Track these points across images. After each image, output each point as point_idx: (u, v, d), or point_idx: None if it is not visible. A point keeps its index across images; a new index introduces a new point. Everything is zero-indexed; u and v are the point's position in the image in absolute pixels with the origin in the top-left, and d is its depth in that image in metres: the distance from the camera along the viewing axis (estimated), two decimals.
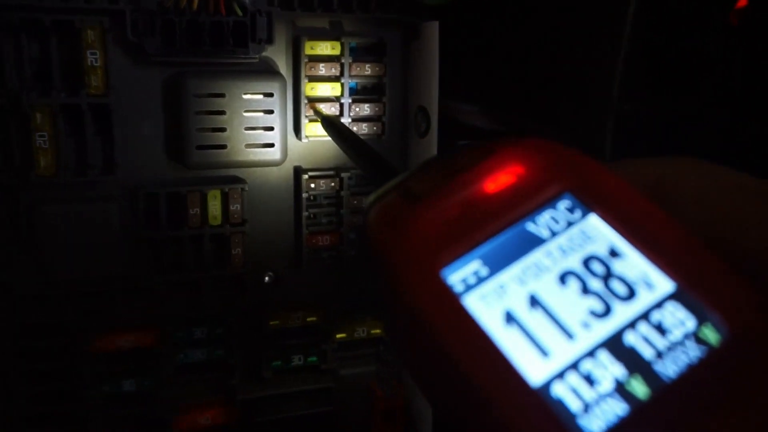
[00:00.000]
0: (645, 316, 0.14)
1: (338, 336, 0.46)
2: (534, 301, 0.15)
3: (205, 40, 0.37)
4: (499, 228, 0.16)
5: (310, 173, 0.42)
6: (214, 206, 0.40)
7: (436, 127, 0.42)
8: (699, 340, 0.14)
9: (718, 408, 0.12)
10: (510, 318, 0.14)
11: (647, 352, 0.14)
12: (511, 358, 0.14)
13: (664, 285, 0.14)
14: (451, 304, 0.15)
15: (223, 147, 0.39)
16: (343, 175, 0.43)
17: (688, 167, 0.16)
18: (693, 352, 0.13)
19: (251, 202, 0.42)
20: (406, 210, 0.16)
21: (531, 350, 0.14)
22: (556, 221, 0.16)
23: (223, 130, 0.39)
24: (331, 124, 0.38)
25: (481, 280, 0.15)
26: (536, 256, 0.15)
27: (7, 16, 0.34)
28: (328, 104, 0.42)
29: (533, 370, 0.13)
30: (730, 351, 0.13)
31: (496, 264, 0.15)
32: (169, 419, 0.42)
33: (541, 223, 0.16)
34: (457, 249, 0.15)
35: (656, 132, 0.41)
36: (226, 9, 0.37)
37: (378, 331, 0.47)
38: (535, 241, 0.16)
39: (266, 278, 0.44)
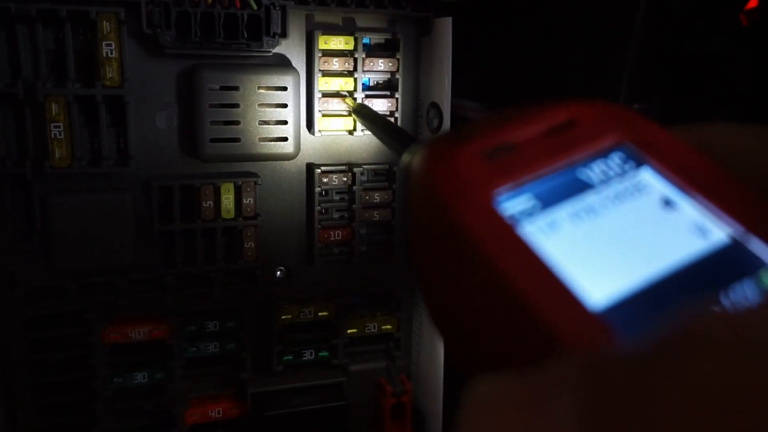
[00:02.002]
0: (702, 260, 0.14)
1: (349, 331, 0.46)
2: (588, 236, 0.15)
3: (219, 33, 0.37)
4: (551, 170, 0.16)
5: (323, 168, 0.42)
6: (227, 199, 0.41)
7: (448, 124, 0.42)
8: (758, 284, 0.14)
9: None
10: (564, 248, 0.14)
11: (706, 293, 0.13)
12: (569, 282, 0.13)
13: (720, 231, 0.14)
14: (505, 231, 0.14)
15: (237, 140, 0.39)
16: (355, 170, 0.43)
17: (726, 128, 0.17)
18: (752, 294, 0.13)
19: (264, 197, 0.42)
20: (458, 144, 0.16)
21: (588, 277, 0.13)
22: (609, 171, 0.16)
23: (236, 123, 0.39)
24: (361, 112, 0.39)
25: (533, 213, 0.15)
26: (589, 199, 0.15)
27: (24, 7, 0.34)
28: (340, 99, 0.42)
29: (592, 294, 0.13)
30: None
31: (549, 201, 0.15)
32: (180, 412, 0.42)
33: (594, 171, 0.16)
34: (510, 182, 0.15)
35: (683, 125, 0.41)
36: (240, 2, 0.37)
37: (389, 326, 0.47)
38: (588, 187, 0.16)
39: (278, 273, 0.44)
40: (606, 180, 0.16)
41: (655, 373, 0.10)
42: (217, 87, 0.38)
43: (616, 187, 0.16)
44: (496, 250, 0.14)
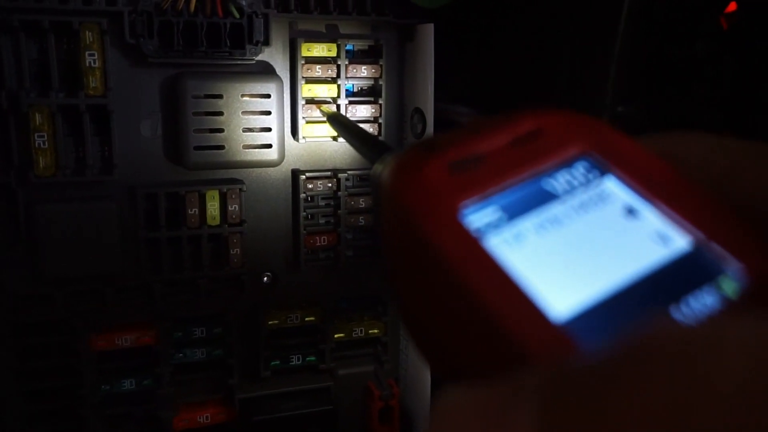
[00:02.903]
0: (664, 268, 0.14)
1: (336, 336, 0.46)
2: (552, 247, 0.15)
3: (202, 42, 0.38)
4: (516, 181, 0.16)
5: (308, 174, 0.43)
6: (213, 206, 0.41)
7: (432, 129, 0.42)
8: (717, 291, 0.14)
9: None
10: (528, 260, 0.14)
11: (666, 301, 0.14)
12: (532, 294, 0.14)
13: (681, 239, 0.15)
14: (470, 244, 0.15)
15: (221, 148, 0.40)
16: (340, 176, 0.43)
17: (690, 138, 0.17)
18: (711, 302, 0.14)
19: (249, 203, 0.42)
20: (425, 157, 0.16)
21: (551, 288, 0.14)
22: (574, 180, 0.16)
23: (220, 131, 0.39)
24: (336, 120, 0.39)
25: (499, 225, 0.15)
26: (554, 210, 0.16)
27: (6, 17, 0.35)
28: (316, 106, 0.42)
29: (555, 305, 0.13)
30: (747, 301, 0.14)
31: (514, 213, 0.15)
32: (168, 418, 0.43)
33: (559, 181, 0.16)
34: (476, 195, 0.16)
35: (649, 134, 0.42)
36: (222, 11, 0.38)
37: (376, 331, 0.47)
38: (553, 197, 0.16)
39: (264, 278, 0.44)
40: (570, 190, 0.16)
41: (608, 385, 0.10)
42: (201, 95, 0.39)
43: (581, 196, 0.16)
44: (462, 264, 0.14)
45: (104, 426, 0.42)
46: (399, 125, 0.45)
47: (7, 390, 0.39)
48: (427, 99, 0.42)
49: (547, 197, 0.16)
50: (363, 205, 0.44)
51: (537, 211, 0.16)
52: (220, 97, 0.39)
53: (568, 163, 0.16)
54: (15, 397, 0.40)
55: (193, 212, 0.40)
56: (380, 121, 0.43)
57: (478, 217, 0.15)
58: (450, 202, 0.15)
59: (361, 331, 0.47)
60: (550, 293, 0.14)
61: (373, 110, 0.43)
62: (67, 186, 0.38)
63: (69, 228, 0.38)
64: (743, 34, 0.42)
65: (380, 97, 0.43)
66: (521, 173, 0.16)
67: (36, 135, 0.36)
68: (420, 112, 0.43)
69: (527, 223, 0.15)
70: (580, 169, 0.16)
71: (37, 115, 0.35)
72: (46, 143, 0.36)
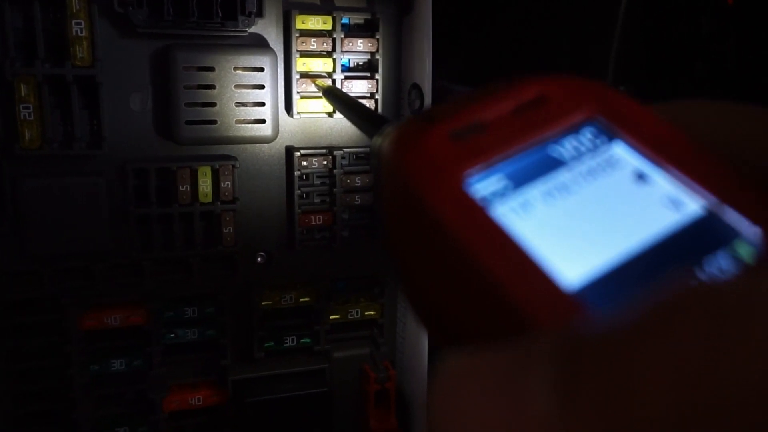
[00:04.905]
0: (677, 233, 0.14)
1: (332, 317, 0.45)
2: (561, 215, 0.14)
3: (193, 13, 0.36)
4: (521, 148, 0.15)
5: (303, 151, 0.42)
6: (205, 183, 0.40)
7: (429, 105, 0.41)
8: (732, 255, 0.13)
9: None
10: (537, 228, 0.14)
11: (681, 266, 0.13)
12: (542, 262, 0.13)
13: (694, 204, 0.14)
14: (476, 213, 0.14)
15: (213, 122, 0.39)
16: (336, 153, 0.42)
17: (703, 104, 0.17)
18: (727, 266, 0.13)
19: (242, 181, 0.41)
20: (425, 127, 0.16)
21: (561, 256, 0.13)
22: (581, 146, 0.16)
23: (213, 104, 0.38)
24: (332, 94, 0.38)
25: (505, 194, 0.15)
26: (561, 177, 0.15)
27: None
28: (311, 80, 0.41)
29: (566, 273, 0.13)
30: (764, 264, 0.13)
31: (520, 180, 0.15)
32: (159, 399, 0.42)
33: (566, 148, 0.16)
34: (480, 163, 0.15)
35: (658, 103, 0.41)
36: None
37: (372, 312, 0.46)
38: (560, 164, 0.15)
39: (259, 258, 0.43)
40: (578, 156, 0.15)
41: (633, 345, 0.09)
42: (192, 67, 0.38)
43: (588, 162, 0.15)
44: (468, 234, 0.14)
45: (93, 407, 0.41)
46: (396, 101, 0.44)
47: None
48: (424, 75, 0.41)
49: (553, 164, 0.15)
50: (359, 184, 0.43)
51: (544, 179, 0.15)
52: (212, 69, 0.38)
53: (574, 129, 0.16)
54: (1, 376, 0.39)
55: (184, 189, 0.39)
56: (377, 97, 0.42)
57: (483, 186, 0.15)
58: (453, 171, 0.15)
59: (357, 312, 0.46)
60: (561, 261, 0.13)
61: (370, 86, 0.42)
62: (54, 160, 0.37)
63: (56, 203, 0.37)
64: (748, 10, 0.41)
65: (377, 72, 0.42)
66: (526, 140, 0.16)
67: (21, 106, 0.35)
68: (418, 88, 0.42)
69: (534, 191, 0.15)
70: (587, 135, 0.16)
71: (22, 85, 0.34)
72: (32, 115, 0.35)
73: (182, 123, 0.38)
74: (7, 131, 0.35)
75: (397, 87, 0.43)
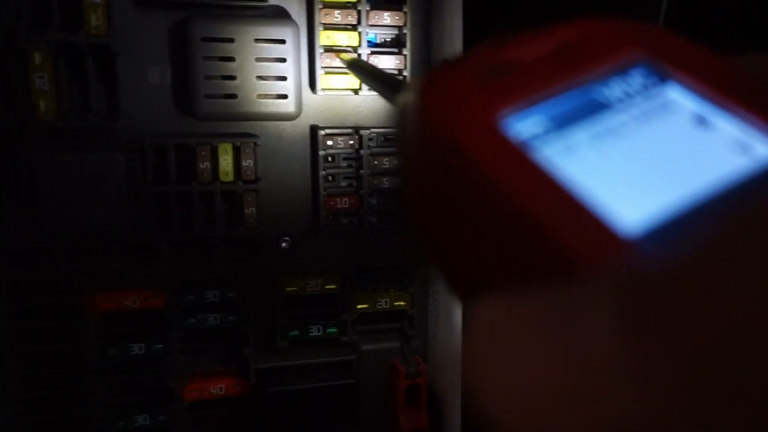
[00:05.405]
0: (748, 179, 0.12)
1: (359, 306, 0.43)
2: (612, 159, 0.13)
3: None
4: (562, 89, 0.14)
5: (328, 130, 0.40)
6: (226, 161, 0.39)
7: None
8: None
9: None
10: (586, 172, 0.12)
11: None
12: (597, 206, 0.12)
13: (765, 147, 0.13)
14: (516, 156, 0.13)
15: (234, 96, 0.37)
16: (363, 132, 0.40)
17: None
18: None
19: (264, 161, 0.40)
20: (458, 69, 0.15)
21: (617, 201, 0.12)
22: (629, 89, 0.14)
23: (233, 78, 0.37)
24: (357, 66, 0.36)
25: (546, 137, 0.13)
26: (609, 120, 0.14)
27: None
28: (335, 54, 0.40)
29: (625, 219, 0.12)
30: None
31: (562, 123, 0.14)
32: (179, 388, 0.40)
33: (612, 90, 0.14)
34: (516, 103, 0.14)
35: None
36: None
37: (402, 303, 0.44)
38: (605, 107, 0.14)
39: (283, 244, 0.42)
40: (626, 99, 0.14)
41: (697, 277, 0.09)
42: (211, 38, 0.37)
43: (639, 106, 0.14)
44: (513, 179, 0.12)
45: (111, 394, 0.40)
46: None
47: (8, 350, 0.37)
48: (455, 50, 0.39)
49: (598, 107, 0.14)
50: (388, 166, 0.41)
51: (589, 122, 0.14)
52: (231, 41, 0.37)
53: (621, 70, 0.14)
54: (15, 358, 0.38)
55: (204, 166, 0.38)
56: (405, 73, 0.41)
57: (521, 127, 0.13)
58: (486, 111, 0.13)
59: (386, 302, 0.44)
60: (617, 206, 0.12)
61: (398, 62, 0.40)
62: (70, 135, 0.36)
63: (72, 179, 0.36)
64: None
65: (404, 47, 0.40)
66: (567, 81, 0.14)
67: (36, 76, 0.34)
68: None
69: (580, 134, 0.13)
70: (636, 77, 0.14)
71: (36, 53, 0.34)
72: (47, 85, 0.34)
73: (201, 97, 0.37)
74: (22, 102, 0.35)
75: (427, 63, 0.42)
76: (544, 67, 0.14)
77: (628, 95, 0.14)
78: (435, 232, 0.15)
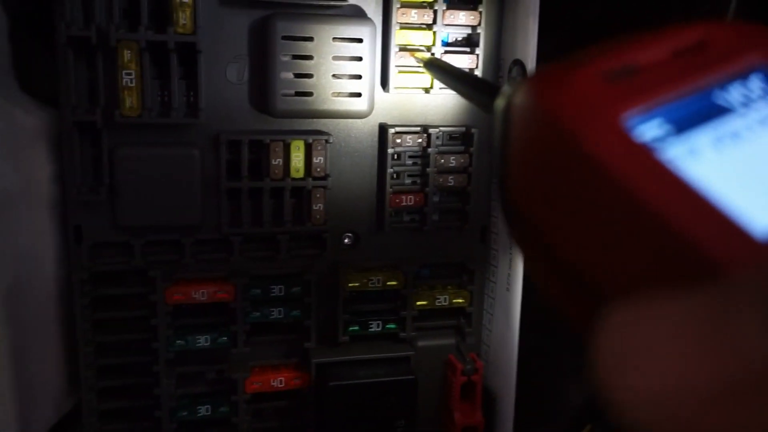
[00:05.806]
0: None
1: (418, 303, 0.43)
2: (737, 163, 0.13)
3: None
4: (683, 93, 0.14)
5: (397, 128, 0.40)
6: (297, 158, 0.39)
7: None
8: None
9: None
10: (713, 174, 0.12)
11: None
12: (728, 208, 0.12)
13: None
14: (643, 157, 0.13)
15: (309, 94, 0.37)
16: (431, 131, 0.41)
17: None
18: None
19: (334, 158, 0.40)
20: (572, 68, 0.14)
21: (748, 203, 0.12)
22: (751, 93, 0.14)
23: (309, 76, 0.37)
24: (435, 66, 0.36)
25: (669, 139, 0.13)
26: (731, 124, 0.14)
27: None
28: (410, 54, 0.39)
29: (757, 221, 0.12)
30: None
31: (684, 126, 0.13)
32: (241, 380, 0.41)
33: (732, 95, 0.14)
34: (639, 105, 0.14)
35: None
36: None
37: (461, 300, 0.44)
38: (726, 111, 0.14)
39: (346, 240, 0.42)
40: (747, 103, 0.14)
41: None
42: (291, 37, 0.36)
43: (762, 111, 0.14)
44: (640, 178, 0.12)
45: (175, 383, 0.40)
46: (495, 79, 0.42)
47: (82, 339, 0.38)
48: (528, 50, 0.39)
49: (719, 111, 0.14)
50: (453, 164, 0.42)
51: (710, 125, 0.14)
52: (310, 39, 0.37)
53: (741, 75, 0.14)
54: (88, 347, 0.38)
55: (277, 163, 0.38)
56: (476, 73, 0.41)
57: (645, 129, 0.13)
58: (611, 113, 0.13)
59: (445, 299, 0.44)
60: (747, 207, 0.12)
61: (470, 61, 0.40)
62: (151, 129, 0.36)
63: (151, 174, 0.36)
64: None
65: (477, 47, 0.40)
66: (687, 85, 0.14)
67: (124, 73, 0.34)
68: (520, 64, 0.39)
69: (702, 138, 0.13)
70: (756, 82, 0.14)
71: (125, 51, 0.34)
72: (134, 82, 0.34)
73: (278, 95, 0.37)
74: (109, 98, 0.35)
75: (497, 63, 0.41)
76: (663, 71, 0.15)
77: (750, 100, 0.14)
78: (555, 236, 0.15)
